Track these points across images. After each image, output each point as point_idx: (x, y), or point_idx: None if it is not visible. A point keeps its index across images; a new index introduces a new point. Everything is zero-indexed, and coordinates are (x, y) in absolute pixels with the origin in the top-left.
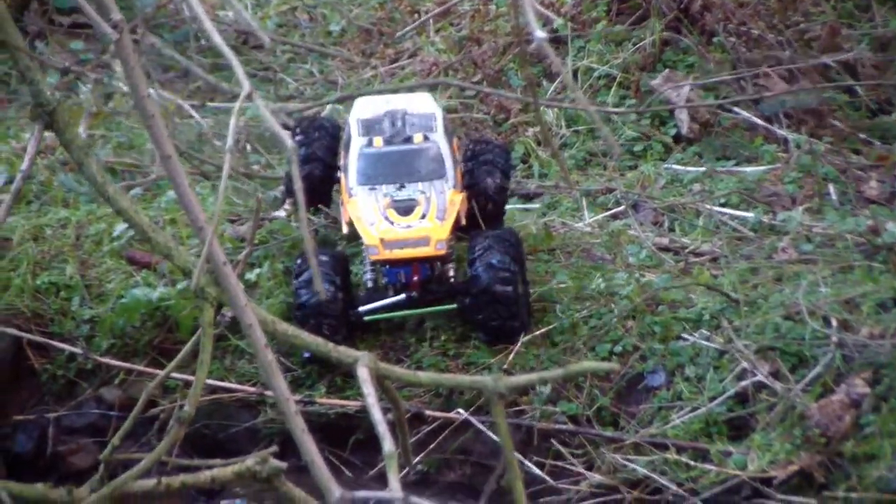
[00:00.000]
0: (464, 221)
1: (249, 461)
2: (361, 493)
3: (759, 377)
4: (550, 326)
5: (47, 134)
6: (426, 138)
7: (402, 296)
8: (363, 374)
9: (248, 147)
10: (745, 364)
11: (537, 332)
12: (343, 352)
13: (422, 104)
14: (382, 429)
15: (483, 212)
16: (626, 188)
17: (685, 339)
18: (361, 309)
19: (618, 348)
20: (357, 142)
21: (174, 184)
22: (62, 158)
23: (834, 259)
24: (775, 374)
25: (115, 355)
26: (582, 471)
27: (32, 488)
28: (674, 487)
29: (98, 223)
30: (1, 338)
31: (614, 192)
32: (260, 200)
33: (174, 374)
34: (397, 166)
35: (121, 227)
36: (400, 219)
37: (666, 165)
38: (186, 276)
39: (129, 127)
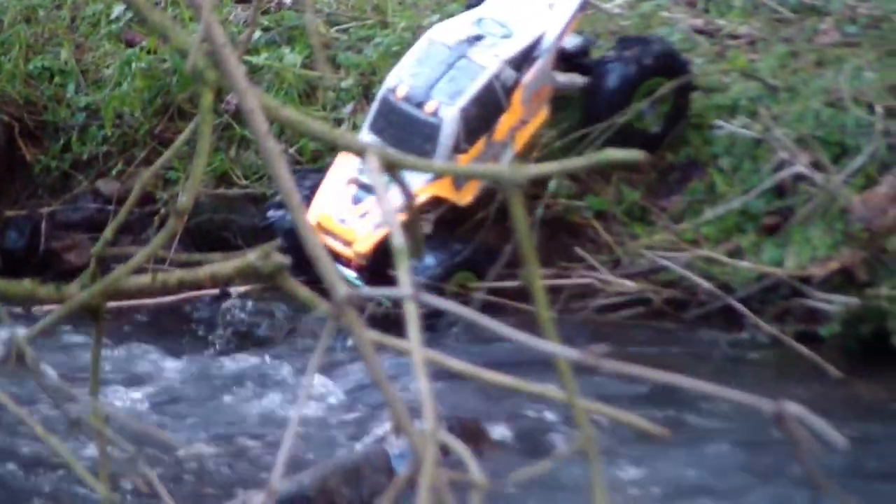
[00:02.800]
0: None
1: (251, 256)
2: (369, 290)
3: (799, 168)
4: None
5: None
6: (435, 112)
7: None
8: (372, 163)
9: None
10: (783, 154)
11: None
12: (350, 139)
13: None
14: (391, 221)
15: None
16: None
17: (720, 128)
18: None
19: None
20: (395, 72)
21: None
22: None
23: (880, 42)
24: (815, 165)
25: (112, 145)
26: (608, 278)
27: (18, 285)
28: (706, 285)
29: (95, 3)
30: None
31: None
32: None
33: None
34: (398, 130)
35: (119, 7)
36: (348, 206)
37: None
38: (185, 59)
39: None
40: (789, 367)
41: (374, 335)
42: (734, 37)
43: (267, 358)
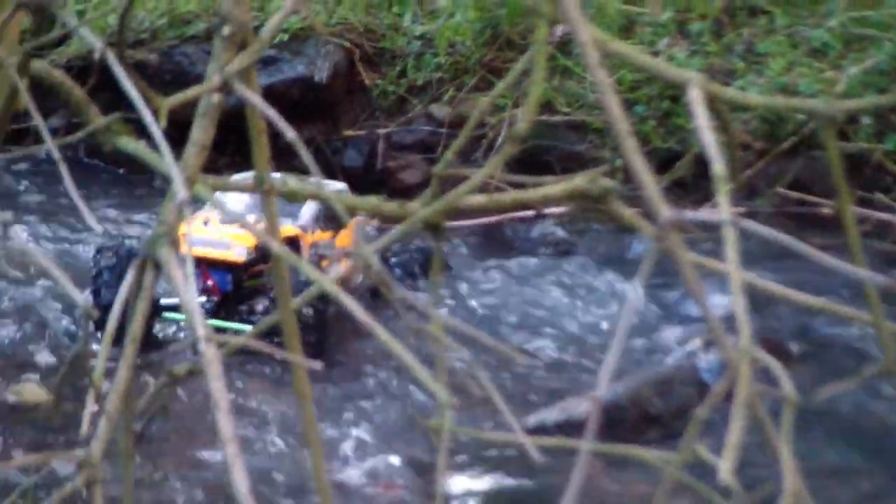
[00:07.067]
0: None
1: (579, 179)
2: (690, 214)
3: None
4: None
5: None
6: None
7: (204, 298)
8: (694, 95)
9: None
10: None
11: (867, 63)
12: (673, 71)
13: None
14: (712, 151)
15: None
16: None
17: None
18: (162, 301)
19: None
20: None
21: None
22: None
23: None
24: None
25: (445, 72)
26: None
27: (366, 201)
28: None
29: None
30: (334, 51)
31: None
32: None
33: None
34: None
35: None
36: (215, 224)
37: None
38: None
39: None
40: None
41: (694, 257)
42: None
43: (587, 274)
